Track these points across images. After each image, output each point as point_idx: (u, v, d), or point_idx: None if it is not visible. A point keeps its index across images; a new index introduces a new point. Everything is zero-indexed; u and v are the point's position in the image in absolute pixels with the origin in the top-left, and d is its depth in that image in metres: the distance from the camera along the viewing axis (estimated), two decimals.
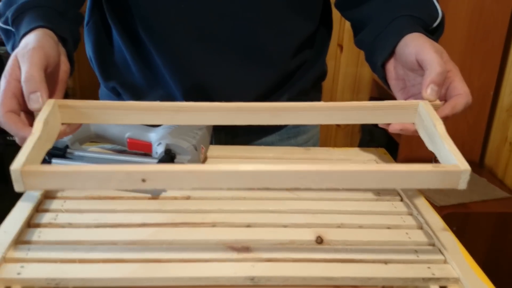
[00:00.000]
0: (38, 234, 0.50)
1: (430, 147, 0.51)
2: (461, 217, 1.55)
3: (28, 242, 0.49)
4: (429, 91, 0.54)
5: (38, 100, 0.49)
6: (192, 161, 0.61)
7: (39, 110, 0.49)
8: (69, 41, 0.58)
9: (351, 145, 2.28)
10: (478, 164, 1.87)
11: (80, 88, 2.39)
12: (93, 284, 0.44)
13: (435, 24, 0.63)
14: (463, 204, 1.58)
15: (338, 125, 2.42)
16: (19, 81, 0.50)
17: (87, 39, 0.78)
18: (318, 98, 0.87)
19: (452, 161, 0.46)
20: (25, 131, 0.48)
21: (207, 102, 0.57)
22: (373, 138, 2.09)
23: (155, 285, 0.45)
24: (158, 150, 0.61)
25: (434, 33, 0.64)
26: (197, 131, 0.64)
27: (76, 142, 0.63)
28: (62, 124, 0.53)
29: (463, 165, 0.44)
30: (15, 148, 0.46)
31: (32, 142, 0.45)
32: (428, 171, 0.44)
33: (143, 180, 0.42)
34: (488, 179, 1.74)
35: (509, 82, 1.74)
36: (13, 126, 0.49)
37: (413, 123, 0.55)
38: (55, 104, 0.51)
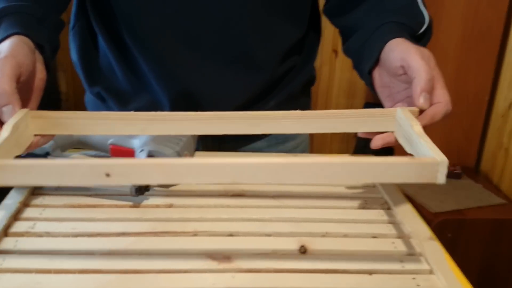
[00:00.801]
0: (15, 243, 0.49)
1: (408, 149, 0.51)
2: (456, 224, 1.54)
3: (3, 252, 0.48)
4: (422, 100, 0.53)
5: (11, 113, 0.49)
6: None
7: None
8: (46, 48, 0.57)
9: (347, 151, 2.27)
10: (473, 170, 1.86)
11: (74, 93, 2.38)
12: None
13: (422, 30, 0.63)
14: (458, 211, 1.57)
15: None
16: None
17: (72, 44, 0.77)
18: (307, 103, 0.86)
19: (429, 155, 0.45)
20: None
21: (189, 110, 0.56)
22: (368, 143, 2.08)
23: None
24: (141, 156, 0.60)
25: (421, 39, 0.63)
26: (181, 138, 0.63)
27: (58, 149, 0.62)
28: (36, 135, 0.52)
29: (440, 157, 0.43)
30: None
31: None
32: (404, 163, 0.42)
33: (107, 175, 0.40)
34: (483, 185, 1.73)
35: (504, 88, 1.74)
36: None
37: (393, 132, 0.55)
38: (27, 114, 0.50)
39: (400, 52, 0.56)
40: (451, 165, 1.73)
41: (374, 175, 0.42)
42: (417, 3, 0.65)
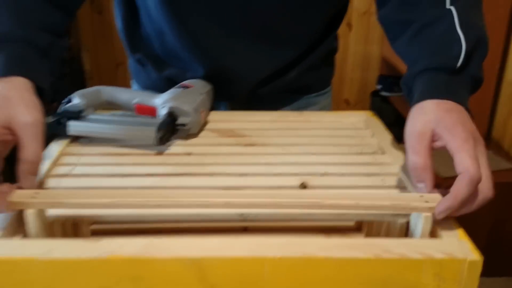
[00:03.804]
0: (56, 182, 0.57)
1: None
2: None
3: (46, 189, 0.56)
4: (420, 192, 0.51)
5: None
6: (193, 122, 0.68)
7: None
8: (46, 91, 0.59)
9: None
10: (485, 136, 1.91)
11: (97, 71, 2.47)
12: (103, 216, 0.51)
13: (460, 62, 0.59)
14: None
15: (347, 103, 2.47)
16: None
17: (117, 11, 0.83)
18: (329, 73, 0.92)
19: None
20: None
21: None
22: (382, 115, 2.13)
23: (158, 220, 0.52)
24: (162, 112, 0.68)
25: (464, 67, 0.60)
26: (198, 96, 0.71)
27: (90, 108, 0.70)
28: None
29: None
30: None
31: None
32: None
33: None
34: (494, 151, 1.78)
35: None
36: None
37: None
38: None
39: (407, 126, 0.58)
40: None
41: None
42: (454, 27, 0.61)
